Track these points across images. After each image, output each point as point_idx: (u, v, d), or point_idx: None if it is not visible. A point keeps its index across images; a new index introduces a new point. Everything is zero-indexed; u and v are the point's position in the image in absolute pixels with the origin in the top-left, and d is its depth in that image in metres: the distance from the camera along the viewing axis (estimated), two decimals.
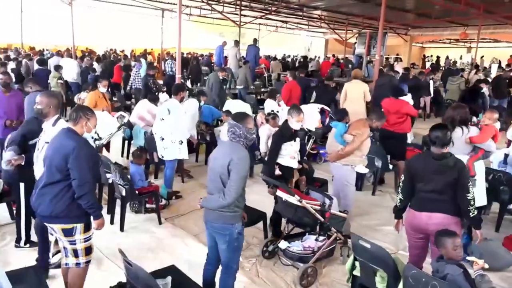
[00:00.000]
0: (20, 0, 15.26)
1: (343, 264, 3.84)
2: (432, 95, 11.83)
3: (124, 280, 2.93)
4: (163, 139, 5.43)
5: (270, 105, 7.62)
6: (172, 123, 5.39)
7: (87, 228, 3.05)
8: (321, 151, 7.66)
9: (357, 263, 3.25)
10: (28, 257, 3.76)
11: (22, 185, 3.94)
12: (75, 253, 3.03)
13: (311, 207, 3.80)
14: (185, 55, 19.49)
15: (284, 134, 4.43)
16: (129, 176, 4.82)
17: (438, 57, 22.53)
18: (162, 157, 5.54)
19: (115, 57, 16.40)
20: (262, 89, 13.10)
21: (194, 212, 5.14)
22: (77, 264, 3.06)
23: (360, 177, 5.78)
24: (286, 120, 4.50)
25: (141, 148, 5.90)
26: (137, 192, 4.80)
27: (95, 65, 12.99)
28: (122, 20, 23.82)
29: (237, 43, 13.62)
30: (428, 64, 22.11)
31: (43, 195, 2.93)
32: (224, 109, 7.60)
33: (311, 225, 3.94)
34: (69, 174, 2.88)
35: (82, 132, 3.04)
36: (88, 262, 3.12)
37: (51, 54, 16.58)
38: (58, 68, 10.20)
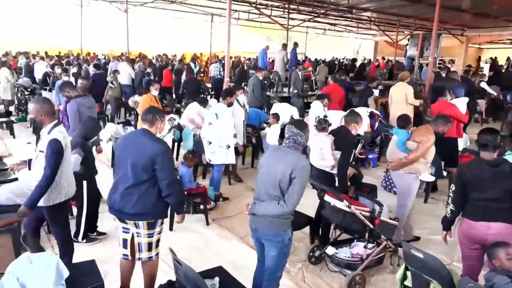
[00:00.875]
0: (81, 9, 16.19)
1: (393, 274, 3.72)
2: (485, 99, 11.19)
3: (173, 278, 3.01)
4: (210, 143, 5.53)
5: (316, 107, 7.52)
6: (219, 127, 5.47)
7: (162, 221, 3.25)
8: (369, 156, 7.48)
9: (408, 273, 3.12)
10: (85, 251, 3.94)
11: (85, 183, 4.18)
12: (149, 247, 3.18)
13: (360, 213, 3.71)
14: (232, 59, 19.74)
15: (355, 142, 4.39)
16: (178, 177, 4.94)
17: (493, 59, 21.08)
18: (210, 161, 5.65)
19: (162, 61, 16.94)
20: (309, 93, 12.98)
21: (240, 214, 5.21)
22: (150, 257, 3.21)
23: None
24: (343, 127, 4.38)
25: (193, 151, 6.03)
26: (186, 192, 4.92)
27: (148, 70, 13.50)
28: (173, 26, 24.73)
29: (285, 46, 13.56)
30: (486, 67, 20.75)
31: (130, 195, 3.06)
32: (272, 112, 7.61)
33: (360, 232, 3.85)
34: (155, 174, 3.02)
35: (156, 133, 3.19)
36: (157, 254, 3.27)
37: (107, 59, 17.45)
38: (113, 72, 10.75)
